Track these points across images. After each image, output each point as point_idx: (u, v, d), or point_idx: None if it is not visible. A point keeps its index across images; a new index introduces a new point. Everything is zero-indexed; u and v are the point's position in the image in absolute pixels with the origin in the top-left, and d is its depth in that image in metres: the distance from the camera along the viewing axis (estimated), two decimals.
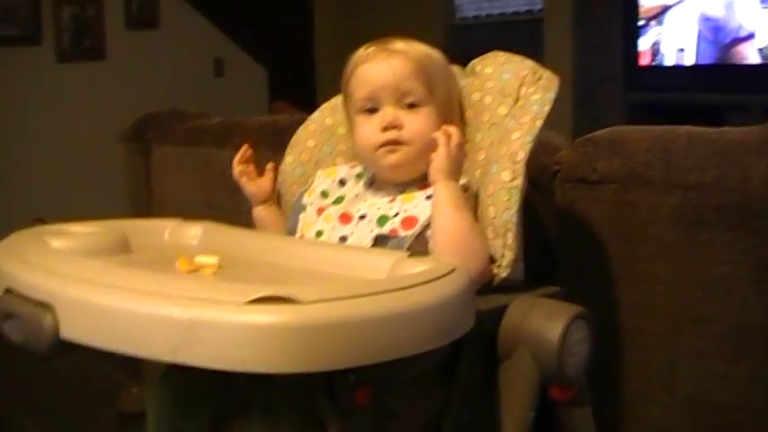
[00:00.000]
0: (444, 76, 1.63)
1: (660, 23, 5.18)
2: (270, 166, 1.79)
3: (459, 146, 1.51)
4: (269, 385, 1.30)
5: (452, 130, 1.51)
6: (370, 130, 1.59)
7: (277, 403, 1.31)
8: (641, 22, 5.23)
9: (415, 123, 1.56)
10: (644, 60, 5.26)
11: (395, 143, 1.56)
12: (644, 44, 5.24)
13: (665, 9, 5.15)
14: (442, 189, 1.48)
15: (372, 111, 1.60)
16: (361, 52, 1.63)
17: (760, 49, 4.78)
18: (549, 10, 6.06)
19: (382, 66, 1.59)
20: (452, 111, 1.62)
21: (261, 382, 1.31)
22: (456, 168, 1.50)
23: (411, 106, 1.57)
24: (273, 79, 6.65)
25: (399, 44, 1.60)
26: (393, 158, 1.57)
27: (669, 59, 5.18)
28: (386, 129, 1.57)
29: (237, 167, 1.76)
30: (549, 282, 1.57)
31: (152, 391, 1.54)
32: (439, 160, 1.49)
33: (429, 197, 1.52)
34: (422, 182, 1.56)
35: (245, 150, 1.77)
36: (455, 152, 1.50)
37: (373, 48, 1.62)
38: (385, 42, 1.61)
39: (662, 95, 5.01)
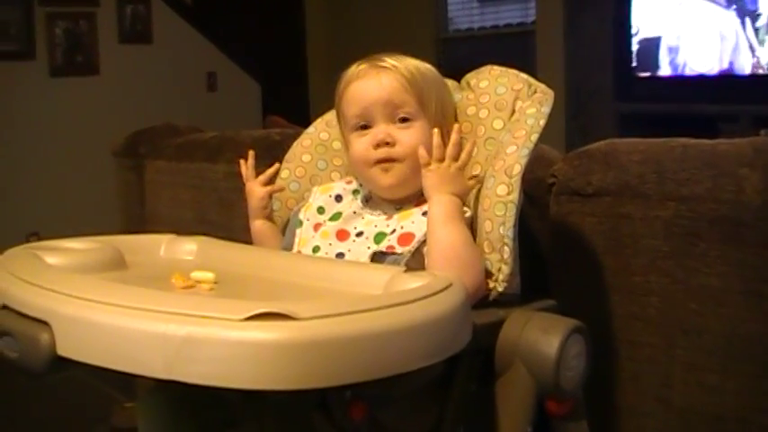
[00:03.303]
0: (437, 90, 1.63)
1: (651, 35, 5.20)
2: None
3: (452, 156, 1.50)
4: (262, 401, 1.30)
5: (436, 140, 1.50)
6: (363, 147, 1.59)
7: (270, 419, 1.31)
8: (633, 34, 5.24)
9: (408, 138, 1.56)
10: (635, 72, 5.28)
11: (388, 161, 1.57)
12: (635, 55, 5.26)
13: (657, 21, 5.17)
14: (435, 204, 1.48)
15: (365, 128, 1.60)
16: (353, 70, 1.63)
17: (751, 60, 4.79)
18: (541, 22, 6.09)
19: (373, 82, 1.59)
20: (448, 123, 1.61)
21: (255, 398, 1.30)
22: (449, 180, 1.50)
23: (403, 120, 1.58)
24: (266, 93, 6.64)
25: (390, 60, 1.60)
26: (388, 178, 1.58)
27: (661, 70, 5.20)
28: (378, 146, 1.57)
29: (267, 187, 1.74)
30: (543, 294, 1.57)
31: (142, 405, 1.54)
32: (428, 176, 1.50)
33: (425, 213, 1.52)
34: (418, 198, 1.57)
35: (275, 169, 1.77)
36: (446, 165, 1.50)
37: (364, 65, 1.62)
38: (376, 59, 1.61)
39: (653, 106, 5.03)
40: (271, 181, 1.75)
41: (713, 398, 1.57)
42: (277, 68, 6.81)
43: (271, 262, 1.46)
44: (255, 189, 1.74)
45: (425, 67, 1.64)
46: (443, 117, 1.61)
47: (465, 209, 1.53)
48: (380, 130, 1.58)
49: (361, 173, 1.63)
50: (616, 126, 5.21)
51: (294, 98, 6.72)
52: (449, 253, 1.44)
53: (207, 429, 1.47)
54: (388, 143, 1.57)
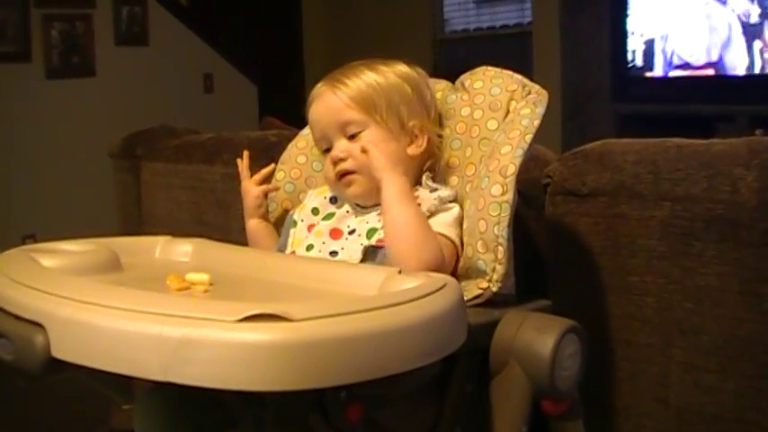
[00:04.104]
0: (397, 92, 1.62)
1: (648, 35, 5.20)
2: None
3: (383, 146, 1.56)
4: (260, 402, 1.30)
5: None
6: (327, 166, 1.64)
7: (268, 420, 1.31)
8: (629, 34, 5.25)
9: (359, 149, 1.58)
10: (632, 72, 5.28)
11: (346, 173, 1.60)
12: (631, 56, 5.26)
13: (654, 21, 5.17)
14: (387, 186, 1.51)
15: (329, 150, 1.64)
16: (314, 90, 1.66)
17: (747, 60, 4.80)
18: (537, 23, 6.09)
19: (320, 107, 1.63)
20: (417, 121, 1.62)
21: (252, 399, 1.30)
22: (397, 160, 1.54)
23: (353, 137, 1.60)
24: (263, 94, 6.64)
25: (343, 77, 1.63)
26: (351, 191, 1.61)
27: (658, 71, 5.20)
28: (335, 163, 1.61)
29: (262, 186, 1.76)
30: (539, 295, 1.57)
31: (140, 406, 1.54)
32: (375, 158, 1.53)
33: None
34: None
35: (270, 169, 1.79)
36: (393, 148, 1.57)
37: (322, 83, 1.65)
38: (333, 78, 1.64)
39: (650, 107, 5.03)
40: (266, 180, 1.76)
41: (711, 398, 1.57)
42: (274, 70, 6.81)
43: (266, 263, 1.46)
44: (250, 188, 1.76)
45: (390, 73, 1.64)
46: (408, 116, 1.61)
47: (453, 205, 1.56)
48: (336, 147, 1.62)
49: (333, 190, 1.68)
50: (614, 127, 5.21)
51: (291, 99, 6.69)
52: (405, 231, 1.47)
53: (205, 431, 1.47)
54: (341, 158, 1.60)
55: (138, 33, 6.00)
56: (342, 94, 1.60)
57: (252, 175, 1.77)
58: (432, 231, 1.50)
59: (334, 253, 1.57)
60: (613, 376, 1.69)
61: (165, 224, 2.76)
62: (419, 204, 1.54)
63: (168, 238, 1.62)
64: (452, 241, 1.53)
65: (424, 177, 1.61)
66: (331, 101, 1.61)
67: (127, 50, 5.94)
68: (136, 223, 2.93)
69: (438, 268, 1.44)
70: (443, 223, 1.54)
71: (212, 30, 6.42)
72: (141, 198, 2.93)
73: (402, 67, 1.65)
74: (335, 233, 1.60)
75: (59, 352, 1.11)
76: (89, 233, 1.60)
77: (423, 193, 1.58)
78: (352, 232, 1.59)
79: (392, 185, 1.50)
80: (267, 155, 1.92)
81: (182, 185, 2.73)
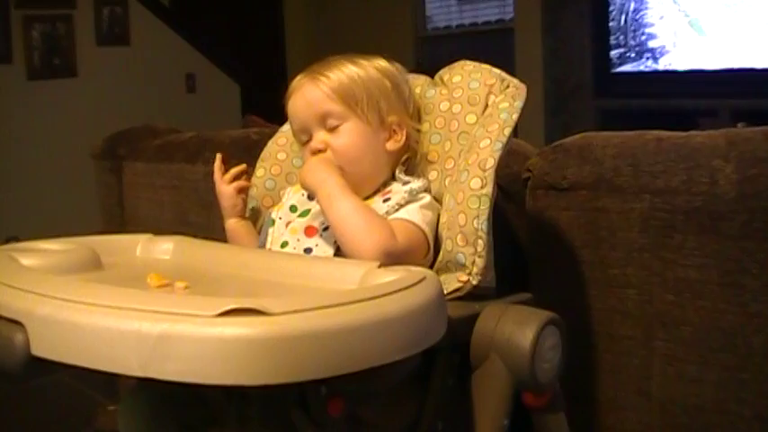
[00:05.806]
0: (377, 88, 1.62)
1: (630, 31, 5.22)
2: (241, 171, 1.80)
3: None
4: (244, 397, 1.30)
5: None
6: (306, 158, 1.64)
7: (252, 415, 1.31)
8: (611, 30, 5.26)
9: (339, 142, 1.59)
10: (614, 68, 5.30)
11: None
12: (614, 51, 5.28)
13: (636, 16, 5.18)
14: (320, 190, 1.51)
15: (308, 142, 1.63)
16: (293, 82, 1.66)
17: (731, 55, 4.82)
18: (519, 19, 6.10)
19: (299, 99, 1.63)
20: (396, 116, 1.62)
21: (235, 394, 1.30)
22: (319, 168, 1.55)
23: (333, 128, 1.60)
24: (245, 94, 6.64)
25: (325, 69, 1.63)
26: None
27: (640, 66, 5.22)
28: (314, 154, 1.61)
29: (233, 184, 1.76)
30: (521, 289, 1.57)
31: (124, 406, 1.54)
32: (301, 173, 1.58)
33: (386, 200, 1.55)
34: (382, 188, 1.60)
35: (241, 168, 1.78)
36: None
37: (302, 76, 1.65)
38: (314, 70, 1.64)
39: (632, 102, 5.05)
40: (238, 178, 1.76)
41: (693, 389, 1.57)
42: (256, 69, 6.80)
43: (246, 260, 1.46)
44: (223, 188, 1.76)
45: (370, 67, 1.64)
46: (387, 111, 1.62)
47: (424, 195, 1.57)
48: (315, 138, 1.61)
49: None
50: (597, 122, 5.23)
51: (273, 98, 6.68)
52: (349, 221, 1.46)
53: (189, 428, 1.47)
54: (320, 150, 1.60)
55: (119, 33, 6.00)
56: (323, 85, 1.60)
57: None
58: (377, 216, 1.50)
59: (308, 250, 1.56)
60: (596, 369, 1.69)
61: (147, 224, 2.75)
62: (389, 198, 1.55)
63: (149, 236, 1.61)
64: (417, 225, 1.52)
65: (397, 171, 1.61)
66: (311, 92, 1.61)
67: (108, 51, 5.93)
68: (119, 224, 2.92)
69: (393, 250, 1.43)
70: (408, 210, 1.54)
71: (194, 29, 6.42)
72: (124, 198, 2.92)
73: (381, 62, 1.65)
74: (310, 231, 1.60)
75: (39, 350, 1.11)
76: (72, 234, 1.59)
77: (395, 186, 1.58)
78: (326, 229, 1.58)
79: (327, 187, 1.50)
80: (249, 153, 1.92)
81: (164, 185, 2.73)
